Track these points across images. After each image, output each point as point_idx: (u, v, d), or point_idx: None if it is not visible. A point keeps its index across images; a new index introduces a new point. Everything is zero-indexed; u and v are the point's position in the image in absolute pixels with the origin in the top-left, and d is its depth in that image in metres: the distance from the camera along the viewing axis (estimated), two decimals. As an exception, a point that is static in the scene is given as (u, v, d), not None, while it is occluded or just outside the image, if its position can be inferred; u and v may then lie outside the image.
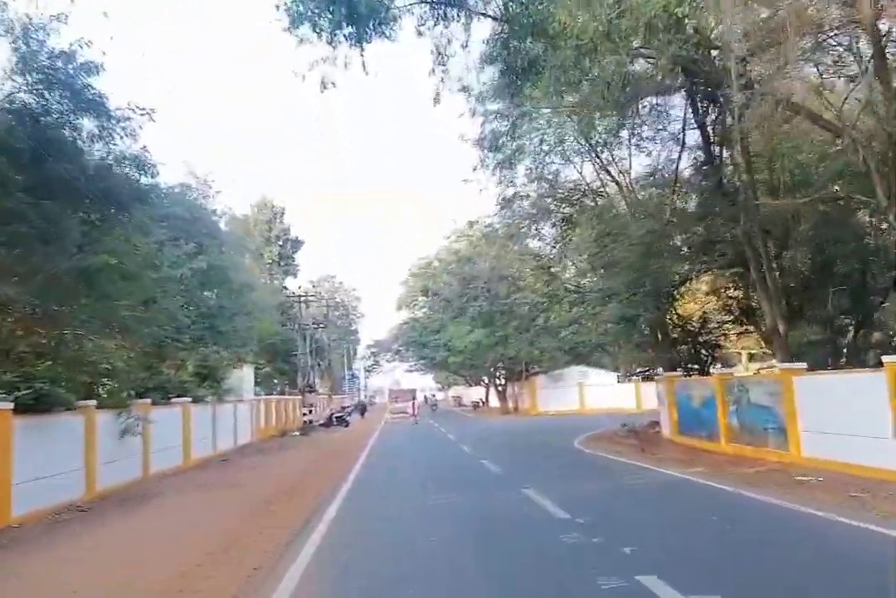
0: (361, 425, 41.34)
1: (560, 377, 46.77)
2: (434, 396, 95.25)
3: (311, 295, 40.79)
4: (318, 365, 53.29)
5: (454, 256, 45.41)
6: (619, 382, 46.95)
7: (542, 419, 40.01)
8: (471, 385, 77.24)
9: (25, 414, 11.36)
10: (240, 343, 31.99)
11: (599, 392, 45.47)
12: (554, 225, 25.56)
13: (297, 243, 53.44)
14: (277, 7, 13.56)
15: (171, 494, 13.95)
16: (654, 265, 18.99)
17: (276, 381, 47.24)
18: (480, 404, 58.71)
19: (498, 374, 49.23)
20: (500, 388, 49.73)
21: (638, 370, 51.74)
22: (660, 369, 26.21)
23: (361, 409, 45.22)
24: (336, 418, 40.65)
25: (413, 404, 42.61)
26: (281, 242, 51.50)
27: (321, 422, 40.92)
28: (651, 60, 15.04)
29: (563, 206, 24.01)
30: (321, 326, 38.77)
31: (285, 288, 39.15)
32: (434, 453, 21.77)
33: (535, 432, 28.53)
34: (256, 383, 39.71)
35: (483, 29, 15.50)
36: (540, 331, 33.18)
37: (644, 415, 31.58)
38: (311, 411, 37.27)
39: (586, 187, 23.51)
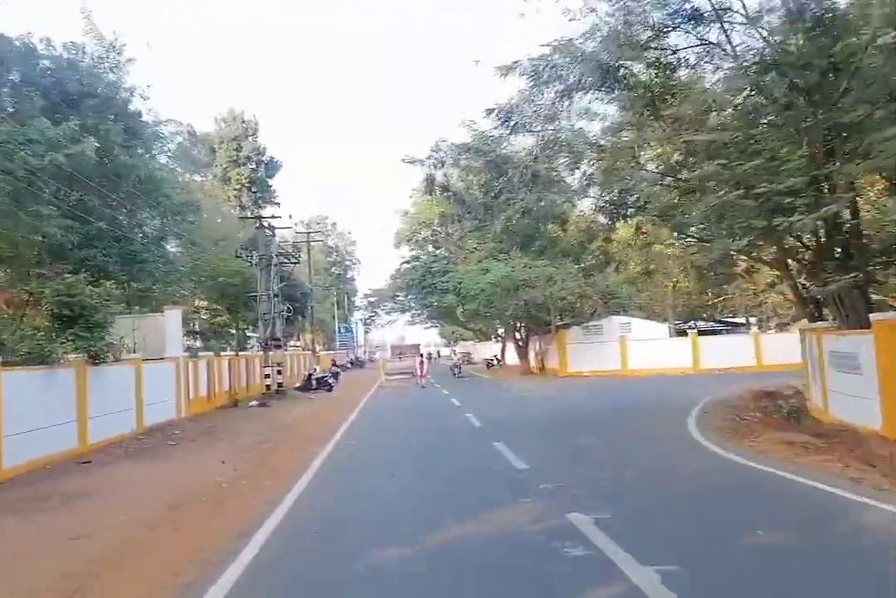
0: (347, 390, 32.56)
1: (596, 330, 37.58)
2: (438, 353, 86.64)
3: (280, 219, 31.18)
4: (302, 316, 44.24)
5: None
6: (671, 335, 37.83)
7: (581, 384, 30.99)
8: (480, 340, 68.31)
9: None
10: (169, 278, 22.76)
11: (645, 349, 36.32)
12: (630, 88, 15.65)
13: (273, 166, 43.71)
14: None
15: None
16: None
17: (246, 334, 38.24)
18: (495, 361, 49.88)
19: (518, 326, 40.13)
20: (520, 343, 40.74)
21: (688, 322, 42.95)
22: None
23: (334, 373, 36.42)
24: (316, 380, 31.80)
25: (420, 361, 33.57)
26: (254, 164, 41.81)
27: (297, 385, 32.13)
28: None
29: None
30: (292, 259, 29.39)
31: (257, 217, 29.82)
32: (448, 461, 12.06)
33: (596, 407, 19.39)
34: (205, 337, 30.64)
35: None
36: (597, 259, 23.83)
37: (719, 378, 22.43)
38: (278, 373, 28.37)
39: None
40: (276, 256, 27.15)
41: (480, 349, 66.27)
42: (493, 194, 15.90)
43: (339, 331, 60.83)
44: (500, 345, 57.34)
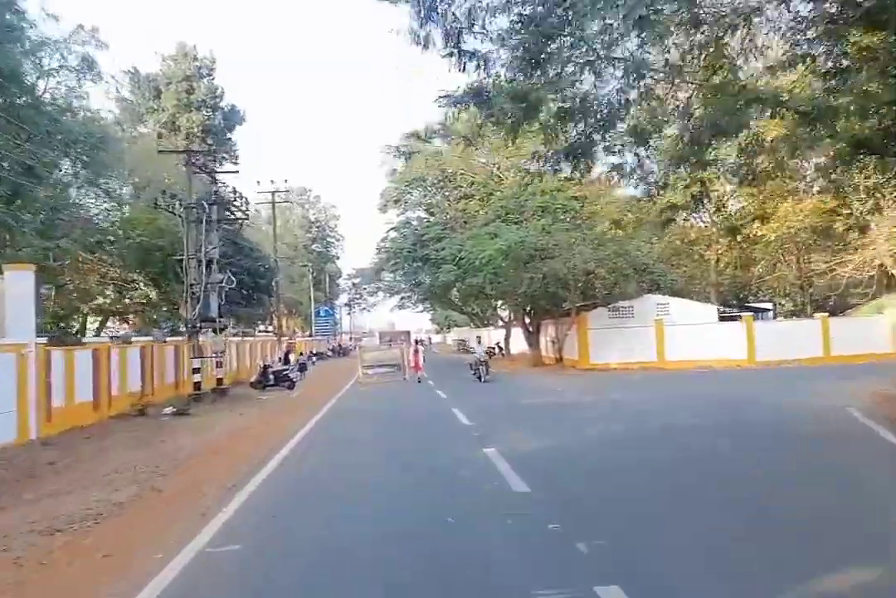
0: (313, 387, 25.33)
1: (626, 313, 30.47)
2: (430, 340, 79.44)
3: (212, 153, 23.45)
4: (269, 295, 37.01)
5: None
6: (720, 319, 30.76)
7: (614, 381, 23.90)
8: (477, 326, 61.21)
9: None
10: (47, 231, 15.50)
11: (687, 335, 29.31)
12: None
13: (233, 116, 36.17)
14: None
15: None
16: None
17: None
18: (497, 350, 42.76)
19: (527, 308, 33.01)
20: (529, 328, 33.65)
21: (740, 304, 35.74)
22: None
23: (301, 365, 29.12)
24: (274, 374, 24.59)
25: (414, 351, 26.41)
26: (209, 110, 34.23)
27: (252, 380, 24.95)
28: None
29: None
30: (238, 212, 21.65)
31: (186, 151, 22.23)
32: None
33: (685, 426, 11.95)
34: (122, 317, 23.30)
35: None
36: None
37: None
38: (218, 365, 21.16)
39: None
40: (212, 206, 19.69)
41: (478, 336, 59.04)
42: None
43: (319, 314, 53.43)
44: (502, 331, 50.28)
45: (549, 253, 25.96)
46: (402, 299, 53.76)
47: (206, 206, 19.25)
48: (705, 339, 28.97)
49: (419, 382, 25.25)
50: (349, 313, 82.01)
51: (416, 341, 27.30)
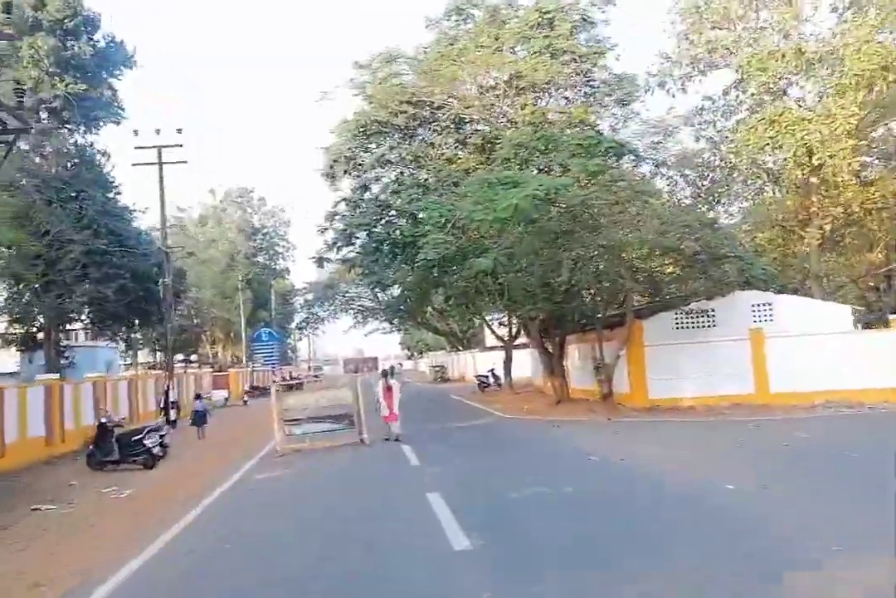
0: (189, 464, 13.80)
1: (702, 320, 19.70)
2: (401, 365, 67.57)
3: None
4: (160, 305, 25.52)
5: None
6: (856, 327, 20.14)
7: (709, 432, 13.13)
8: (456, 350, 50.02)
9: None
10: None
11: (804, 352, 18.79)
12: None
13: (113, 52, 24.81)
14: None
15: None
16: None
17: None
18: (491, 379, 31.68)
19: (542, 321, 22.04)
20: (549, 347, 22.69)
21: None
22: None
23: (199, 417, 17.72)
24: (119, 442, 13.12)
25: (386, 387, 14.82)
26: (62, 32, 22.72)
27: (90, 450, 13.38)
28: None
29: None
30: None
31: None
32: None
33: None
34: None
35: None
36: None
37: None
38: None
39: None
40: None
41: (461, 361, 47.77)
42: None
43: (260, 339, 41.69)
44: (491, 355, 39.15)
45: (600, 214, 15.22)
46: (361, 315, 42.72)
47: None
48: (834, 357, 18.33)
49: (396, 439, 14.15)
50: (303, 338, 70.08)
51: (385, 373, 15.88)
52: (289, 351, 73.24)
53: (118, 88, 25.10)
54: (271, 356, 43.64)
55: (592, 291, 18.37)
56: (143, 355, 42.14)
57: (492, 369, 32.45)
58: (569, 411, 19.93)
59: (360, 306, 42.66)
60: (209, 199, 53.15)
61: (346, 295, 41.74)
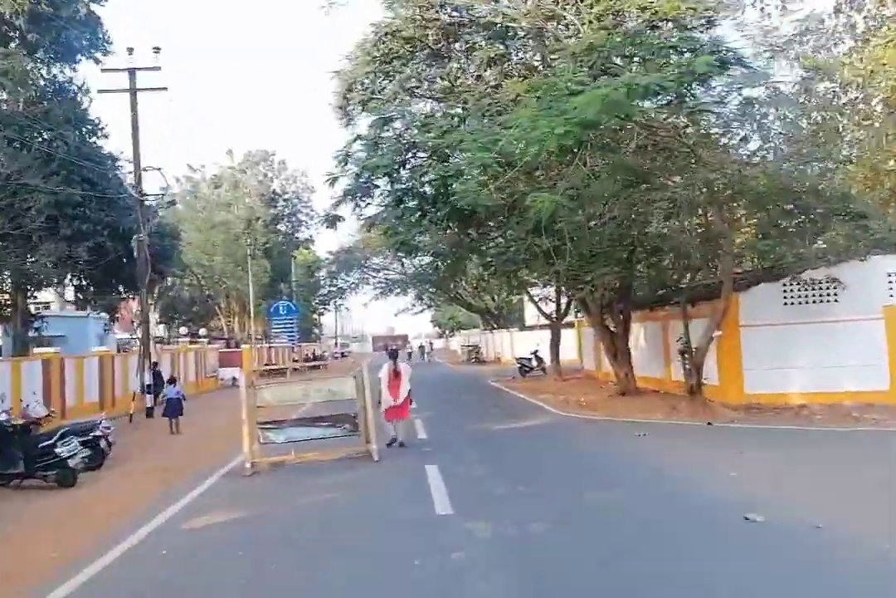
0: (163, 464, 9.81)
1: (819, 293, 15.08)
2: (431, 345, 63.48)
3: None
4: (158, 275, 21.81)
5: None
6: None
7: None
8: (492, 327, 45.57)
9: None
10: None
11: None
12: None
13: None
14: None
15: None
16: None
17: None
18: (534, 362, 27.45)
19: (603, 294, 17.61)
20: (612, 327, 18.35)
21: None
22: None
23: (173, 407, 13.92)
24: (24, 451, 9.28)
25: (393, 371, 10.62)
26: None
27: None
28: None
29: None
30: None
31: None
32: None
33: None
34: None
35: None
36: None
37: None
38: None
39: None
40: None
41: (497, 341, 43.47)
42: None
43: (277, 312, 37.89)
44: (532, 335, 34.79)
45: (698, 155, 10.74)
46: (387, 288, 38.66)
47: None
48: None
49: (401, 445, 10.20)
50: (325, 313, 66.50)
51: (393, 351, 11.51)
52: (314, 327, 69.54)
53: (101, 15, 20.92)
54: (291, 332, 39.67)
55: (681, 252, 13.85)
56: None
57: (535, 351, 28.10)
58: (640, 406, 15.55)
59: (385, 278, 38.70)
60: (226, 160, 49.21)
61: (369, 265, 37.71)
